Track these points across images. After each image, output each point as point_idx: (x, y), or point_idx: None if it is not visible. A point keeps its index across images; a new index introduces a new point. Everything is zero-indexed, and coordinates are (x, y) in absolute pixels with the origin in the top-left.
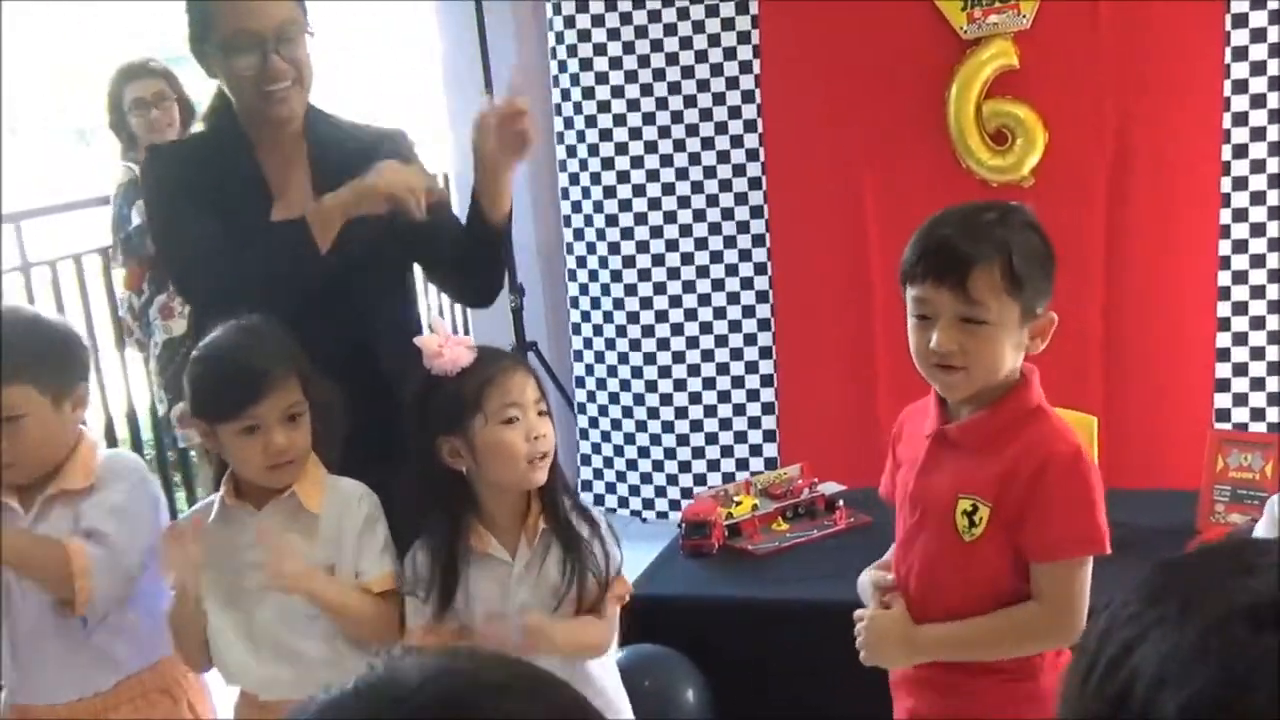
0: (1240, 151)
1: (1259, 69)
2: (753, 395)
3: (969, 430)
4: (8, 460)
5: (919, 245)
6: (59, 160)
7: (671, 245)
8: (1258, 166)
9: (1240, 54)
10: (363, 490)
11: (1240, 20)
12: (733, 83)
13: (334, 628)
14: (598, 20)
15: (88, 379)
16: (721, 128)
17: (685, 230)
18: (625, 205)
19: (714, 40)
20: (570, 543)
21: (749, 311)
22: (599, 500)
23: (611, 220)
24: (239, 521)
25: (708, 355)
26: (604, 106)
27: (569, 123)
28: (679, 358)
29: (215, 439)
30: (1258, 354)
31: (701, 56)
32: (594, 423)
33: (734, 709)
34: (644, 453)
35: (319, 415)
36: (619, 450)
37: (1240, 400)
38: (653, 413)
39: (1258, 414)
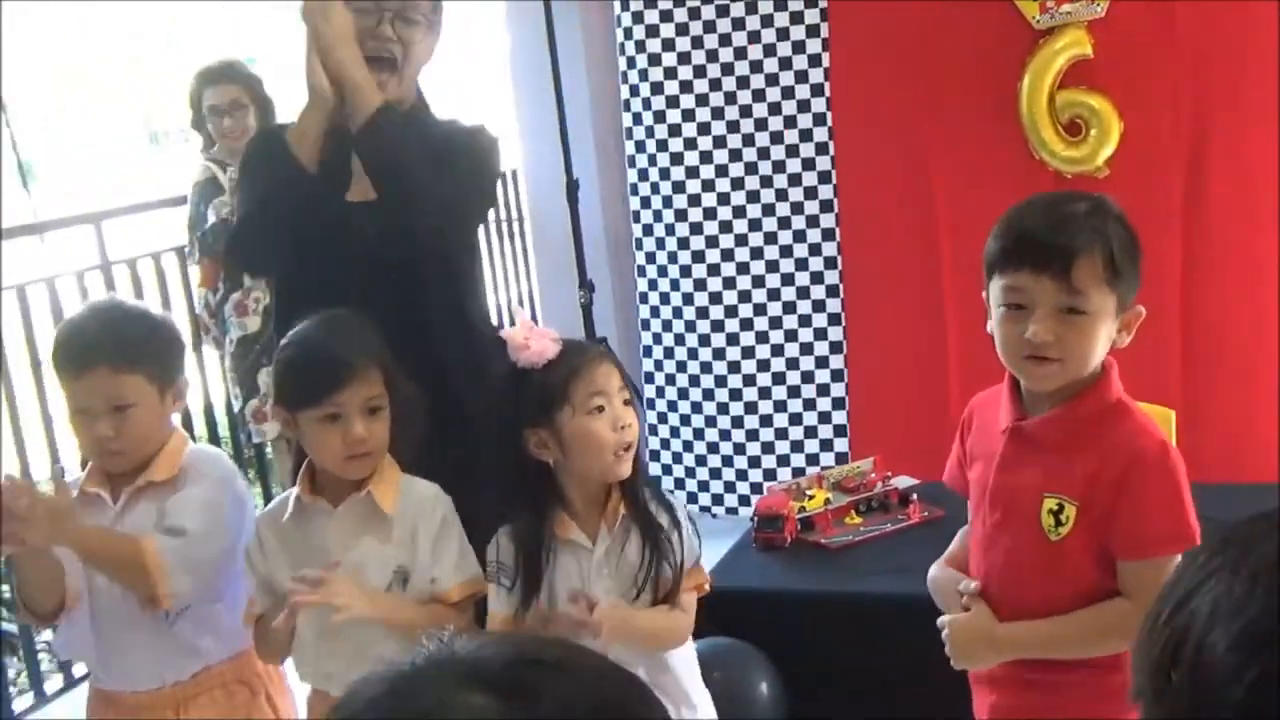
0: None
1: None
2: (823, 390)
3: (1049, 425)
4: (116, 448)
5: (1011, 233)
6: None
7: (740, 240)
8: None
9: None
10: (436, 492)
11: None
12: (801, 76)
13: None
14: (665, 15)
15: (183, 371)
16: (790, 121)
17: (754, 225)
18: (694, 200)
19: (783, 34)
20: (649, 531)
21: (819, 306)
22: (670, 493)
23: (680, 215)
24: (315, 518)
25: (777, 350)
26: (673, 102)
27: (637, 118)
28: (748, 353)
29: (296, 427)
30: None
31: (770, 50)
32: (663, 418)
33: (806, 702)
34: (713, 448)
35: (398, 415)
36: (688, 446)
37: None
38: (722, 408)
39: None
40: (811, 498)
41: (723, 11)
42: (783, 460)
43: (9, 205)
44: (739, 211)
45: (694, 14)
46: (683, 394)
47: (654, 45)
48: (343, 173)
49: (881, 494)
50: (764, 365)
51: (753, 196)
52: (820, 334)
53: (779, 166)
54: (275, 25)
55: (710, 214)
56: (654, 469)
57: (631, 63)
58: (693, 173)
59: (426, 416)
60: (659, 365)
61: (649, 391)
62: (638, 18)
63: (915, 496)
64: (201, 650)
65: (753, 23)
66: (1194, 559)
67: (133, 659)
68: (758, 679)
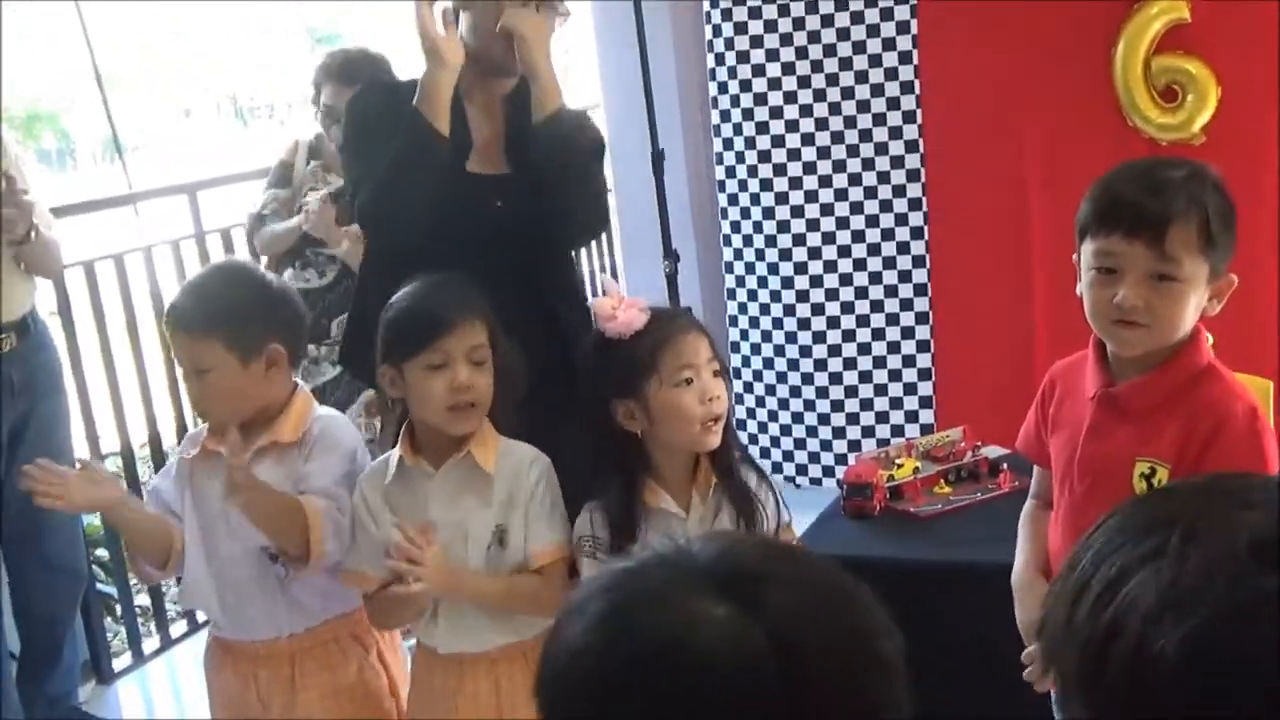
0: None
1: None
2: (909, 361)
3: (1139, 391)
4: (202, 410)
5: (1105, 197)
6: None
7: (826, 210)
8: None
9: None
10: (534, 454)
11: None
12: (889, 44)
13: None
14: (754, 12)
15: (286, 339)
16: (877, 90)
17: (840, 194)
18: (779, 170)
19: (870, 0)
20: (742, 498)
21: (905, 276)
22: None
23: (766, 185)
24: (417, 480)
25: (863, 320)
26: (758, 70)
27: (723, 87)
28: (834, 323)
29: (403, 385)
30: None
31: (858, 17)
32: (749, 387)
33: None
34: (798, 419)
35: (500, 377)
36: (773, 416)
37: None
38: (807, 379)
39: None
40: (900, 466)
41: None
42: (868, 431)
43: (105, 178)
44: (825, 181)
45: (784, 10)
46: (768, 364)
47: (740, 13)
48: (465, 144)
49: (971, 463)
50: (849, 336)
51: (839, 166)
52: (906, 304)
53: (865, 135)
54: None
55: (796, 183)
56: (741, 438)
57: (717, 31)
58: (778, 142)
59: (527, 381)
60: (744, 334)
61: (734, 361)
62: (726, 15)
63: (1005, 466)
64: (314, 609)
65: None
66: (1124, 528)
67: (250, 611)
68: None
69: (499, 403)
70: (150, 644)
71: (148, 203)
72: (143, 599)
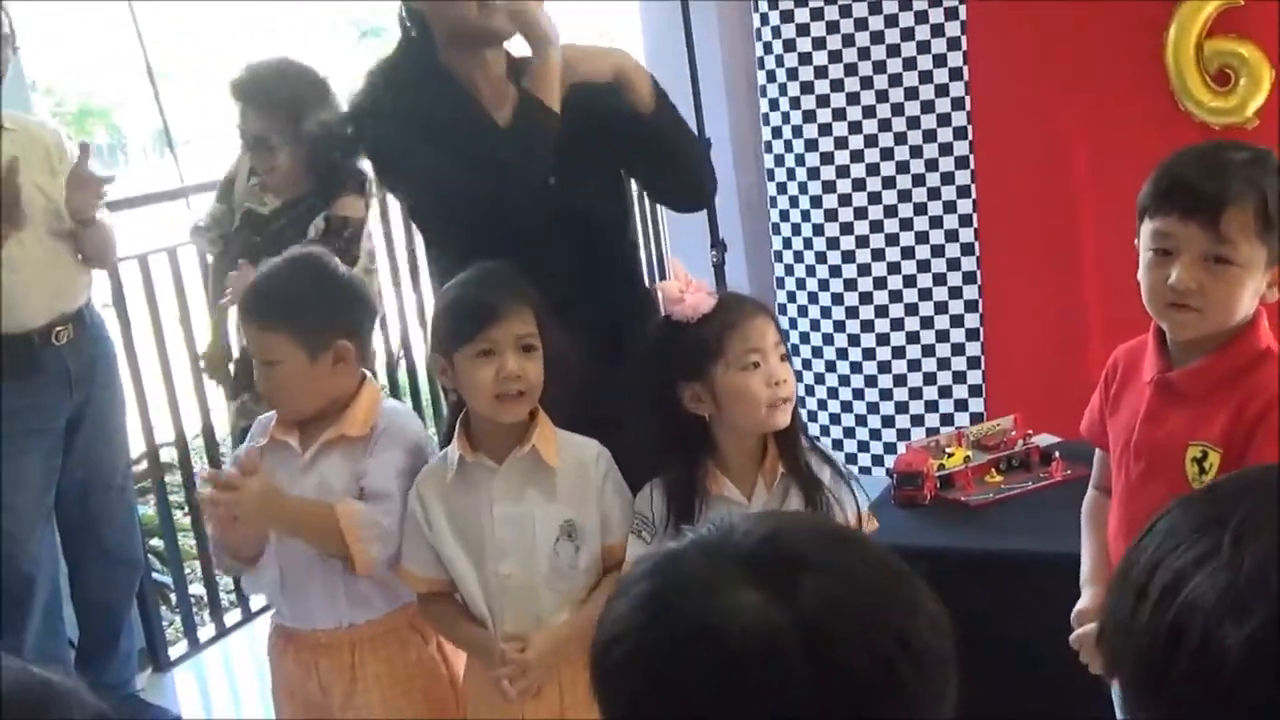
0: None
1: None
2: (958, 349)
3: (1195, 376)
4: (271, 401)
5: (1164, 178)
6: None
7: (874, 198)
8: None
9: None
10: (597, 447)
11: None
12: (937, 30)
13: (577, 588)
14: (801, 0)
15: (354, 334)
16: (926, 77)
17: (888, 182)
18: (826, 158)
19: None
20: (811, 487)
21: (954, 264)
22: None
23: (813, 173)
24: (479, 476)
25: (911, 309)
26: (805, 59)
27: (771, 76)
28: (882, 311)
29: (454, 374)
30: None
31: (905, 4)
32: (798, 376)
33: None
34: (847, 407)
35: (553, 368)
36: (822, 404)
37: None
38: (855, 367)
39: None
40: (951, 455)
41: None
42: (917, 420)
43: (156, 173)
44: (872, 169)
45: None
46: (816, 352)
47: (786, 2)
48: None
49: (1022, 452)
50: (898, 324)
51: (886, 153)
52: (955, 292)
53: (913, 122)
54: None
55: (843, 171)
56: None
57: (765, 19)
58: (825, 130)
59: (579, 370)
60: (793, 323)
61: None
62: (773, 3)
63: (1057, 455)
64: (373, 600)
65: None
66: (1175, 531)
67: (310, 601)
68: None
69: (551, 392)
70: (205, 632)
71: (199, 196)
72: (197, 588)
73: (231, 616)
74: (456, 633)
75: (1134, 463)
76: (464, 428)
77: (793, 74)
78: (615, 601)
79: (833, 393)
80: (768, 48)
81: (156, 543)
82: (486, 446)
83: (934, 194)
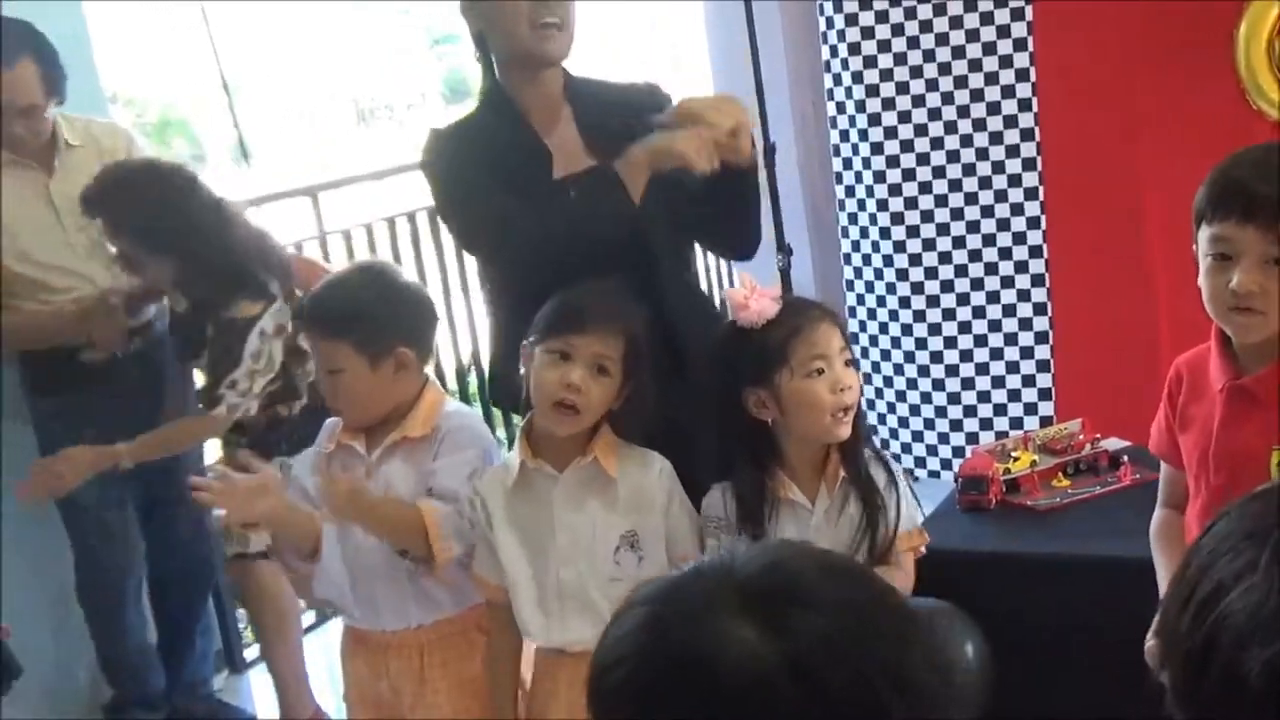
0: None
1: None
2: (1027, 353)
3: (1270, 379)
4: (335, 408)
5: (1220, 181)
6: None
7: (940, 201)
8: None
9: None
10: (659, 459)
11: None
12: (1004, 30)
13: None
14: (865, 3)
15: (414, 342)
16: (992, 78)
17: (955, 185)
18: (893, 161)
19: None
20: (869, 494)
21: (1022, 267)
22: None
23: (879, 177)
24: (540, 483)
25: (979, 312)
26: (870, 62)
27: (838, 79)
28: (949, 315)
29: (530, 365)
30: None
31: (971, 4)
32: (867, 379)
33: (1010, 664)
34: (915, 411)
35: (632, 396)
36: (891, 407)
37: None
38: (923, 371)
39: None
40: (1017, 459)
41: None
42: (986, 424)
43: (231, 181)
44: (938, 172)
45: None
46: (885, 355)
47: (851, 5)
48: (542, 152)
49: (1090, 456)
50: (965, 328)
51: (953, 156)
52: (1024, 295)
53: (979, 124)
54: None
55: (909, 175)
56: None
57: (830, 23)
58: (891, 133)
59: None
60: (863, 326)
61: (854, 352)
62: (838, 6)
63: (1126, 459)
64: (439, 601)
65: None
66: (1228, 535)
67: (380, 602)
68: (961, 640)
69: (626, 423)
70: (308, 618)
71: (274, 205)
72: None
73: (306, 619)
74: (495, 644)
75: (1213, 475)
76: (526, 433)
77: (858, 77)
78: (614, 625)
79: (901, 396)
80: (833, 51)
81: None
82: (548, 453)
83: (1001, 197)
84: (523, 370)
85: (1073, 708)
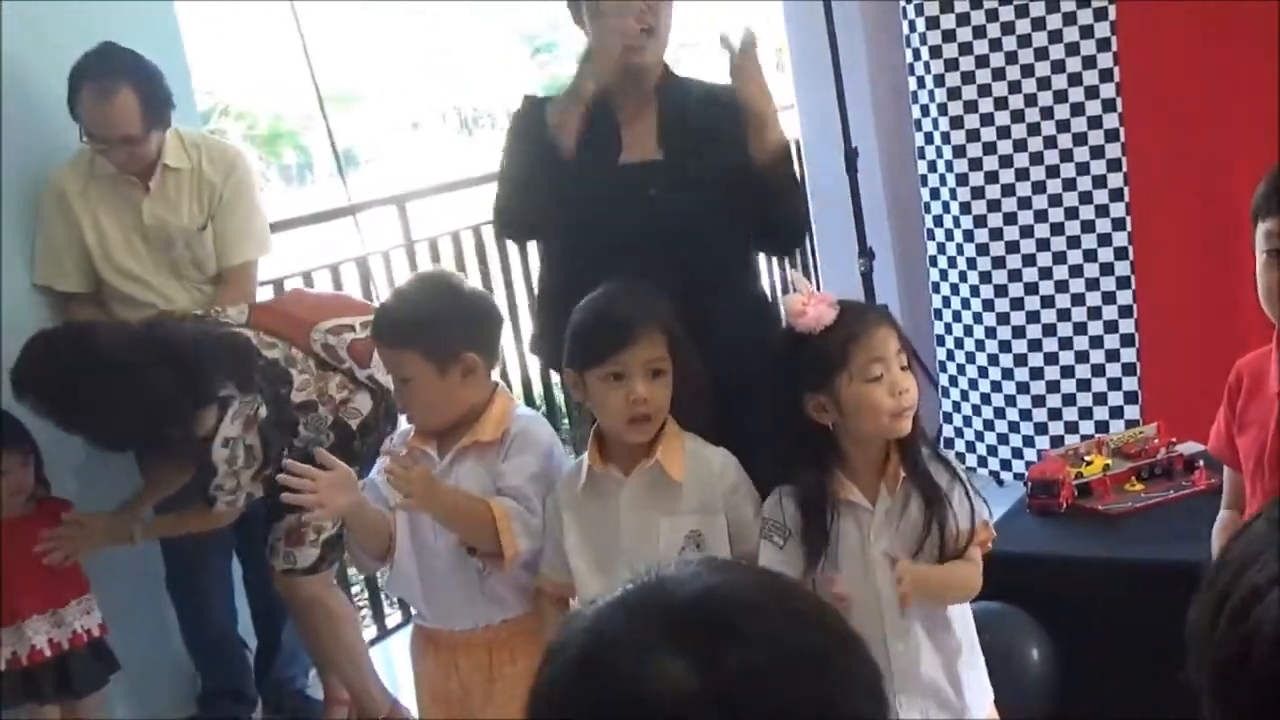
0: None
1: None
2: (1112, 355)
3: None
4: (409, 415)
5: (1275, 178)
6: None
7: (1024, 203)
8: None
9: None
10: (724, 456)
11: None
12: (1087, 31)
13: None
14: (946, 5)
15: (481, 348)
16: (1075, 79)
17: (1038, 187)
18: (976, 164)
19: None
20: (930, 492)
21: (1107, 269)
22: (962, 457)
23: (961, 180)
24: (607, 487)
25: (1064, 315)
26: (951, 65)
27: (921, 82)
28: (1034, 317)
29: (584, 389)
30: None
31: (1053, 6)
32: (954, 381)
33: (1078, 668)
34: (1000, 414)
35: (684, 382)
36: (977, 410)
37: None
38: (1007, 374)
39: None
40: (1089, 463)
41: None
42: (1071, 427)
43: (332, 190)
44: (1021, 174)
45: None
46: (970, 358)
47: (932, 8)
48: (615, 139)
49: (1164, 460)
50: (1050, 331)
51: (1036, 158)
52: (1109, 298)
53: (1063, 126)
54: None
55: (992, 178)
56: (948, 430)
57: (913, 26)
58: (973, 136)
59: (711, 384)
60: (949, 328)
61: (939, 354)
62: (919, 10)
63: (1201, 463)
64: (510, 601)
65: None
66: (1266, 537)
67: (450, 602)
68: (1029, 643)
69: (684, 408)
70: (368, 633)
71: (371, 213)
72: (356, 587)
73: (392, 619)
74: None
75: (1270, 478)
76: (596, 439)
77: (940, 81)
78: (551, 655)
79: (986, 399)
80: (916, 54)
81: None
82: (616, 458)
83: (1086, 198)
84: (576, 396)
85: (1142, 712)
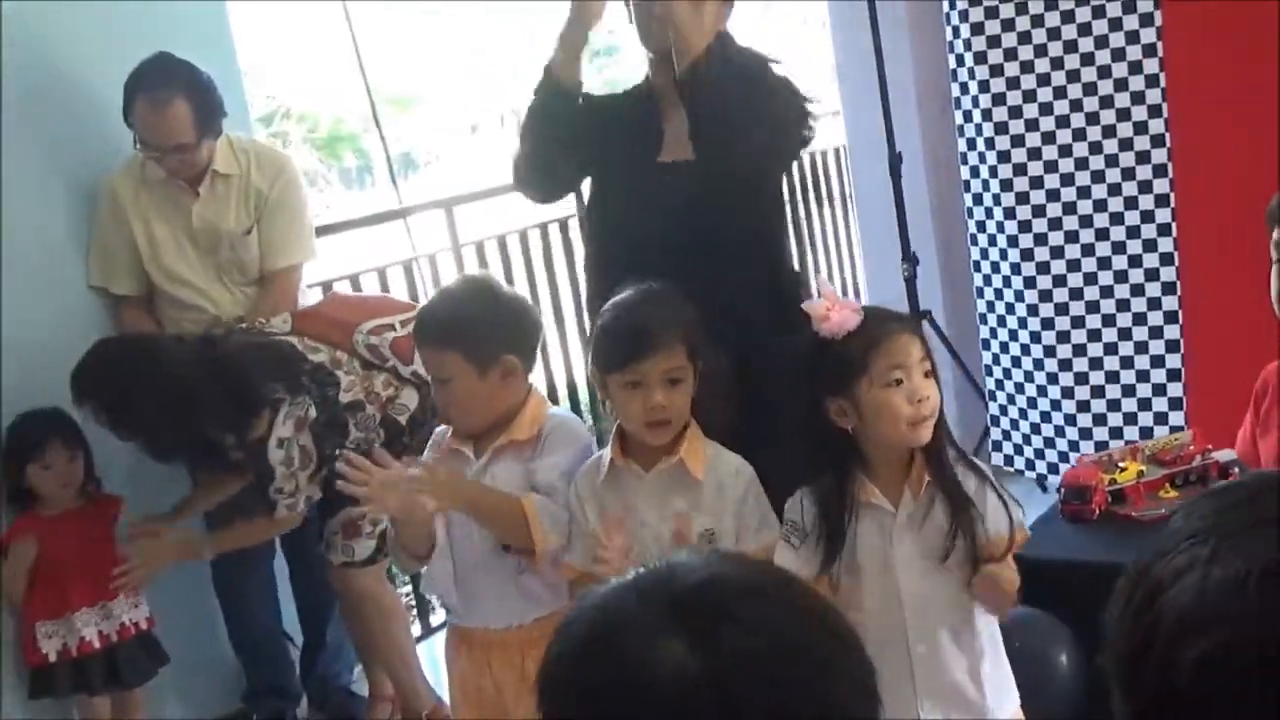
0: None
1: None
2: (1157, 361)
3: None
4: (445, 416)
5: None
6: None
7: (1069, 208)
8: None
9: None
10: (741, 463)
11: None
12: (1133, 37)
13: None
14: (991, 12)
15: (519, 351)
16: (1121, 84)
17: (1083, 192)
18: (1020, 169)
19: None
20: (956, 497)
21: (1153, 274)
22: (1009, 461)
23: (1006, 185)
24: (627, 480)
25: (1109, 320)
26: (996, 70)
27: (964, 88)
28: (1078, 322)
29: (606, 390)
30: None
31: (1099, 11)
32: (1000, 384)
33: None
34: (1045, 418)
35: (706, 385)
36: (1023, 414)
37: None
38: (1052, 379)
39: None
40: (1123, 470)
41: (1052, 3)
42: (1115, 433)
43: (386, 194)
44: (1067, 179)
45: (1021, 8)
46: (1015, 363)
47: (977, 14)
48: (657, 136)
49: (1200, 467)
50: (1095, 335)
51: (1081, 163)
52: (1154, 303)
53: (1109, 131)
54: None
55: (1037, 183)
56: (995, 434)
57: (956, 32)
58: (1018, 141)
59: (734, 386)
60: (993, 333)
61: (984, 358)
62: (964, 16)
63: (1236, 470)
64: (541, 599)
65: None
66: (1177, 533)
67: (486, 601)
68: (1058, 649)
69: (706, 409)
70: (414, 631)
71: (423, 217)
72: (404, 588)
73: (437, 617)
74: None
75: None
76: (620, 434)
77: (984, 86)
78: (561, 633)
79: (1032, 403)
80: (960, 60)
81: None
82: (637, 454)
83: (1131, 203)
84: (600, 395)
85: None
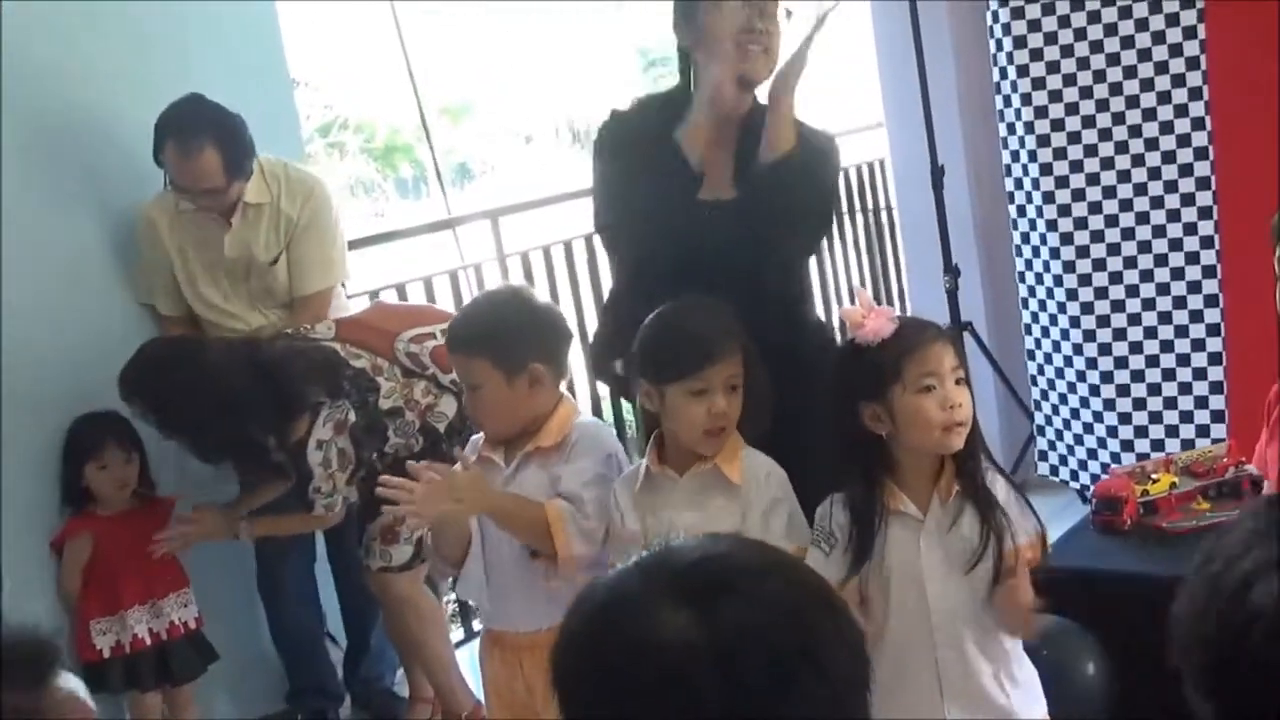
0: None
1: None
2: (1199, 374)
3: None
4: (474, 421)
5: None
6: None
7: (1110, 221)
8: None
9: None
10: (771, 466)
11: None
12: (1176, 50)
13: None
14: (1034, 25)
15: (548, 359)
16: (1164, 97)
17: (1125, 205)
18: (1062, 181)
19: (1155, 5)
20: (986, 506)
21: (1195, 286)
22: (1054, 471)
23: (1048, 197)
24: (662, 484)
25: (1150, 333)
26: (1039, 84)
27: (1008, 100)
28: (1120, 335)
29: (659, 400)
30: None
31: (1142, 24)
32: (1045, 395)
33: (1135, 684)
34: (1089, 429)
35: (751, 395)
36: (1067, 425)
37: None
38: (1094, 390)
39: None
40: (1156, 481)
41: None
42: (1157, 445)
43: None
44: (1109, 192)
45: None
46: (1059, 374)
47: (1019, 27)
48: (697, 173)
49: (1233, 480)
50: (1137, 348)
51: (1123, 176)
52: (1196, 316)
53: (1151, 144)
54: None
55: (1079, 195)
56: (1041, 444)
57: (1000, 45)
58: (1060, 154)
59: (771, 396)
60: (1038, 343)
61: (1030, 369)
62: (1011, 11)
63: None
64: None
65: None
66: (1256, 530)
67: (516, 604)
68: (1085, 660)
69: (748, 415)
70: (455, 635)
71: (471, 227)
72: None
73: (478, 621)
74: None
75: None
76: (657, 443)
77: (1026, 99)
78: (574, 609)
79: (1075, 414)
80: (1003, 73)
81: None
82: (673, 460)
83: (1173, 216)
84: (644, 404)
85: None
